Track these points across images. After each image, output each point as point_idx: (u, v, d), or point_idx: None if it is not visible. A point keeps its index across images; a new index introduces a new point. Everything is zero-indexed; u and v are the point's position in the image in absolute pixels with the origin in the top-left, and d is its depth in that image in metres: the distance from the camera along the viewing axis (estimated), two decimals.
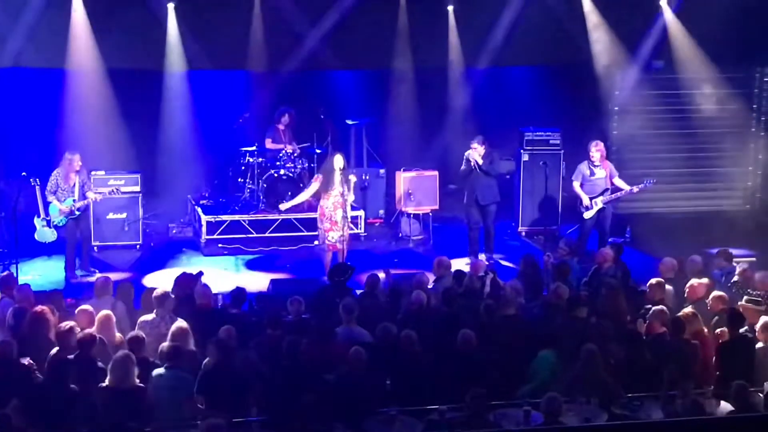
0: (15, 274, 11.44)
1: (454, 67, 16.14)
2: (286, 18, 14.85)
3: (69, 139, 14.21)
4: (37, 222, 12.80)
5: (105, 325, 8.89)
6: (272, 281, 11.95)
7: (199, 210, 14.75)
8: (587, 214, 13.44)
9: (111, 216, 14.04)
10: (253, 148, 14.83)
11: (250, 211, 14.66)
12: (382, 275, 10.94)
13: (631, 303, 10.07)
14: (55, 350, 8.29)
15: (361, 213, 14.70)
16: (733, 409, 7.90)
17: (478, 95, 16.36)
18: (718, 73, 15.80)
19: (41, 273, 13.11)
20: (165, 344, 8.31)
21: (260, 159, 14.82)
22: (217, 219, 14.43)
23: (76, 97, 14.75)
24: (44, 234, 12.81)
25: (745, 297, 9.84)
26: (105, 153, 14.42)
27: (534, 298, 10.36)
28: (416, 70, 16.03)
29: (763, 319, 9.07)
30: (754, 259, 12.74)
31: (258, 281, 12.70)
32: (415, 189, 14.97)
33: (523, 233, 15.35)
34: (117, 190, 13.49)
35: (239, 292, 10.06)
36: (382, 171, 15.52)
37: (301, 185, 14.30)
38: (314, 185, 12.86)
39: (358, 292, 10.60)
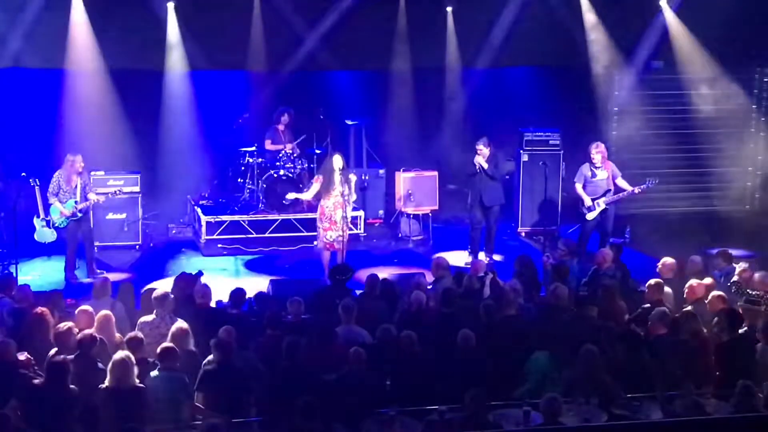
0: (15, 275, 11.44)
1: (453, 68, 16.16)
2: (285, 18, 14.88)
3: (68, 139, 14.23)
4: (37, 222, 12.79)
5: (104, 325, 8.87)
6: (272, 281, 11.94)
7: (199, 210, 14.75)
8: (590, 216, 13.43)
9: (110, 216, 14.05)
10: (253, 148, 14.83)
11: (249, 212, 14.66)
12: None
13: (631, 303, 10.07)
14: (53, 351, 8.29)
15: (360, 213, 14.70)
16: (733, 409, 7.91)
17: (478, 96, 16.37)
18: (718, 73, 15.82)
19: (41, 273, 13.11)
20: (159, 346, 8.30)
21: (260, 159, 14.82)
22: (216, 219, 14.43)
23: (75, 97, 14.75)
24: (44, 234, 12.80)
25: (744, 297, 9.84)
26: (104, 153, 14.42)
27: (531, 298, 10.36)
28: (415, 71, 16.04)
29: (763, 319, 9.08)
30: (753, 259, 12.74)
31: (257, 281, 12.70)
32: (415, 189, 14.99)
33: (523, 234, 15.36)
34: (120, 191, 13.48)
35: (239, 292, 10.05)
36: (381, 171, 15.53)
37: (301, 186, 14.32)
38: (315, 186, 12.86)
39: (358, 292, 10.60)
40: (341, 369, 8.27)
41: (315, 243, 13.43)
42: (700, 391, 8.18)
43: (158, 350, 8.15)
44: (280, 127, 15.01)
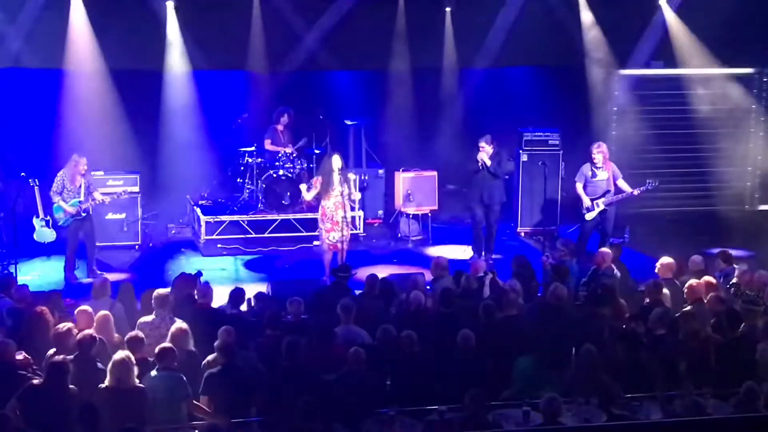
0: (14, 275, 11.44)
1: (452, 68, 16.16)
2: (285, 19, 14.90)
3: (68, 139, 14.23)
4: (36, 222, 12.79)
5: (103, 325, 8.86)
6: (271, 282, 11.94)
7: (198, 210, 14.75)
8: (589, 216, 13.42)
9: (110, 216, 14.04)
10: (252, 148, 14.83)
11: (249, 212, 14.66)
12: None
13: (630, 303, 10.06)
14: (52, 351, 8.29)
15: (360, 213, 14.70)
16: (733, 409, 7.91)
17: (477, 96, 16.38)
18: (718, 73, 15.82)
19: (40, 273, 13.11)
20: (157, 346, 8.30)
21: (259, 159, 14.82)
22: (216, 219, 14.43)
23: (75, 97, 14.76)
24: (43, 234, 12.80)
25: (743, 297, 9.84)
26: (104, 153, 14.41)
27: (529, 299, 10.36)
28: (414, 71, 16.06)
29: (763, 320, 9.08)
30: (752, 259, 12.75)
31: (257, 282, 12.70)
32: (415, 189, 14.99)
33: (522, 234, 15.36)
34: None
35: (238, 292, 10.05)
36: (381, 171, 15.54)
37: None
38: (315, 187, 12.83)
39: (357, 292, 10.60)
40: (341, 369, 8.27)
41: (316, 243, 13.43)
42: (700, 391, 8.18)
43: (156, 350, 8.14)
44: (280, 128, 15.01)
